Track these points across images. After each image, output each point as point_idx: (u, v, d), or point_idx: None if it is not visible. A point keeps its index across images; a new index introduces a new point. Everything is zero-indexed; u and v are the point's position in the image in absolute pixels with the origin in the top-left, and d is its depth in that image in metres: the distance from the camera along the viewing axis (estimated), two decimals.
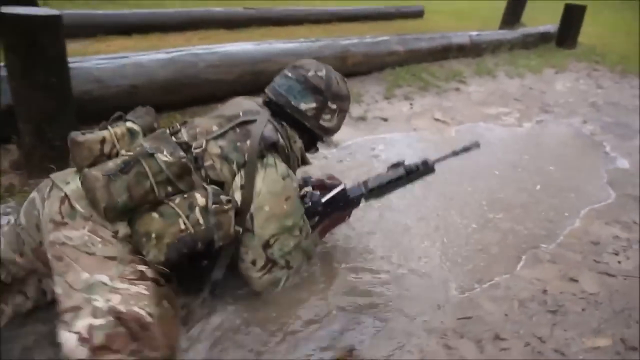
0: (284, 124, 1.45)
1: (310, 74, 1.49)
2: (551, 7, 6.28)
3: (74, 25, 4.57)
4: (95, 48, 4.30)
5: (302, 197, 1.48)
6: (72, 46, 4.39)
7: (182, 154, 1.19)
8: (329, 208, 1.55)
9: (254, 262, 1.35)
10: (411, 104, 3.37)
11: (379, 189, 1.62)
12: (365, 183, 1.61)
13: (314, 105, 1.48)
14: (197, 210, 1.16)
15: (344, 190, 1.56)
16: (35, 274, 1.26)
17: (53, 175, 1.22)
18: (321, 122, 1.51)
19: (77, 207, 1.12)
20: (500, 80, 4.22)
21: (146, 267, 1.13)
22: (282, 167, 1.38)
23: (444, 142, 2.81)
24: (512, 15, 6.69)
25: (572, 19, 5.92)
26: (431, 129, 3.02)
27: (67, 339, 0.98)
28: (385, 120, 3.07)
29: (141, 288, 1.08)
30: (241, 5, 6.04)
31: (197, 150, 1.28)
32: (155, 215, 1.13)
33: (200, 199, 1.17)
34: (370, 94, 3.42)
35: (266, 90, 1.52)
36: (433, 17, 8.30)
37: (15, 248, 1.22)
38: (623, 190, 2.47)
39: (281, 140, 1.40)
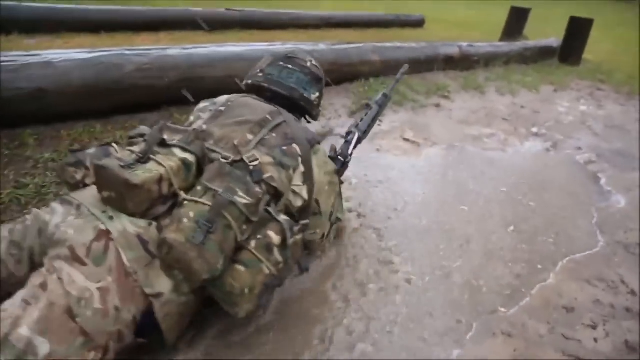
0: (295, 114, 1.49)
1: (309, 64, 1.56)
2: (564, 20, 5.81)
3: (36, 20, 4.29)
4: (49, 45, 3.98)
5: (335, 155, 1.60)
6: (25, 42, 4.17)
7: (257, 190, 1.14)
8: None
9: (323, 236, 1.43)
10: (380, 121, 2.97)
11: (368, 129, 1.80)
12: (358, 125, 1.75)
13: (318, 94, 1.58)
14: (275, 250, 1.12)
15: (359, 138, 1.73)
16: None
17: (80, 195, 1.10)
18: (320, 108, 1.65)
19: (124, 258, 0.99)
20: (489, 97, 3.81)
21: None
22: (322, 150, 1.46)
23: (410, 167, 2.42)
24: (514, 26, 6.26)
25: (577, 32, 5.48)
26: (397, 150, 2.62)
27: None
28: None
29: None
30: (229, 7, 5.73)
31: (254, 164, 1.20)
32: (240, 267, 1.08)
33: (275, 237, 1.13)
34: (334, 107, 3.03)
35: (264, 84, 1.50)
36: (434, 27, 7.93)
37: (18, 239, 1.06)
38: (614, 235, 2.05)
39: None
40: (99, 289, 0.95)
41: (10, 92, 2.05)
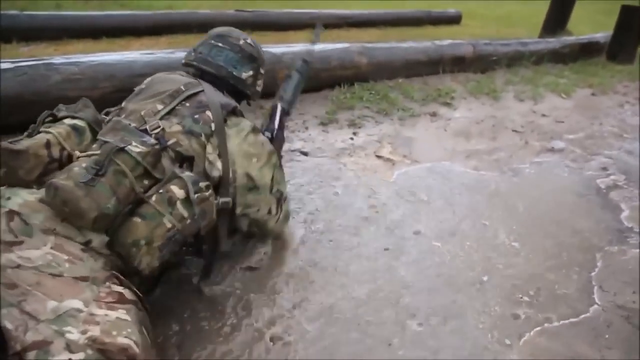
0: (224, 91, 1.48)
1: (242, 42, 1.54)
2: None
3: (37, 27, 4.26)
4: (46, 52, 3.92)
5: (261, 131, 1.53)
6: (20, 50, 4.14)
7: (152, 140, 1.15)
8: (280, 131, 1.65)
9: (270, 211, 1.44)
10: (354, 134, 2.56)
11: (293, 98, 1.74)
12: (282, 97, 1.69)
13: (251, 73, 1.56)
14: (178, 204, 1.13)
15: (282, 109, 1.66)
16: None
17: None
18: (257, 87, 1.62)
19: (35, 221, 0.99)
20: (503, 104, 3.25)
21: (123, 287, 1.02)
22: (245, 121, 1.43)
23: (367, 189, 2.00)
24: (556, 21, 5.52)
25: (629, 24, 4.69)
26: (364, 169, 2.20)
27: None
28: (305, 154, 2.30)
29: (121, 313, 0.95)
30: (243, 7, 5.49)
31: (156, 131, 1.20)
32: (137, 219, 1.07)
33: (178, 191, 1.13)
34: (304, 117, 2.65)
35: (194, 62, 1.50)
36: (472, 23, 7.30)
37: None
38: (616, 295, 1.55)
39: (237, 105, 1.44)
40: (52, 247, 0.97)
41: None
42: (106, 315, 0.93)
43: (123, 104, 1.34)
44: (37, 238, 0.97)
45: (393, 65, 3.15)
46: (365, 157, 2.34)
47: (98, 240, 1.04)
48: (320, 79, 2.86)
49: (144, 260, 1.08)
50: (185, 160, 1.22)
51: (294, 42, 4.31)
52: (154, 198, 1.10)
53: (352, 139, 2.51)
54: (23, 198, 1.02)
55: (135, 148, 1.10)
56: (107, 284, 1.00)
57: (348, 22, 6.16)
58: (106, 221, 1.04)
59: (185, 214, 1.12)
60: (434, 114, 2.91)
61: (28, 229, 0.98)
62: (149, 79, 1.44)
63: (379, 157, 2.36)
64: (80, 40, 4.39)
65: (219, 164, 1.29)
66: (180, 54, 2.54)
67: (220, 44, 1.51)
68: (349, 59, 2.94)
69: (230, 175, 1.31)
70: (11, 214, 0.98)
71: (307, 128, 2.55)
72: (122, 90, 2.23)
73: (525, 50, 3.97)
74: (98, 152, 1.07)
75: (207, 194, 1.18)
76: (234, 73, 1.50)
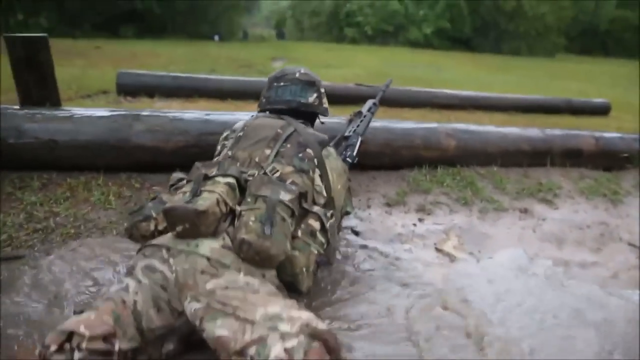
0: (304, 120, 1.75)
1: (298, 75, 1.81)
2: None
3: (179, 87, 4.91)
4: (173, 106, 4.44)
5: (344, 158, 1.89)
6: (159, 104, 4.75)
7: (293, 187, 1.40)
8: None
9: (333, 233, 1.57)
10: (420, 220, 2.31)
11: (364, 132, 2.08)
12: (356, 131, 2.04)
13: (315, 95, 1.80)
14: (317, 234, 1.42)
15: (361, 140, 2.02)
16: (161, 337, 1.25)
17: (160, 241, 1.30)
18: (323, 105, 1.86)
19: (227, 262, 1.23)
20: (624, 210, 2.67)
21: (292, 300, 1.22)
22: (332, 150, 1.72)
23: (399, 285, 1.73)
24: None
25: None
26: (416, 261, 1.93)
27: None
28: (356, 234, 2.13)
29: (308, 314, 1.14)
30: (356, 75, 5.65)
31: (276, 175, 1.45)
32: (296, 252, 1.35)
33: (315, 224, 1.42)
34: (371, 194, 2.49)
35: (268, 106, 1.79)
36: (623, 116, 6.41)
37: (151, 305, 1.21)
38: None
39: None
40: (245, 275, 1.23)
41: (28, 141, 2.23)
42: (300, 313, 1.12)
43: (230, 153, 1.58)
44: (233, 272, 1.22)
45: (487, 151, 2.84)
46: (422, 248, 2.07)
47: (269, 274, 1.29)
48: (400, 157, 2.70)
49: (306, 283, 1.39)
50: (302, 196, 1.42)
51: (407, 118, 4.25)
52: (299, 233, 1.39)
53: (415, 225, 2.26)
54: (209, 246, 1.25)
55: (285, 197, 1.34)
56: (286, 299, 1.22)
57: (473, 104, 5.89)
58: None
59: (323, 240, 1.43)
60: (524, 211, 2.51)
61: (225, 266, 1.22)
62: (241, 125, 1.69)
63: (438, 250, 2.07)
64: (208, 99, 4.93)
65: (324, 192, 1.57)
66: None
67: (282, 83, 1.79)
68: (434, 139, 2.74)
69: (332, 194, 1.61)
70: (208, 259, 1.23)
71: (369, 207, 2.38)
72: (194, 146, 2.39)
73: None
74: (260, 207, 1.29)
75: (332, 220, 1.49)
76: (302, 101, 1.77)
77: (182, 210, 1.26)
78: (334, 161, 1.67)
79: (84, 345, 1.06)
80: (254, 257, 1.24)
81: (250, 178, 1.42)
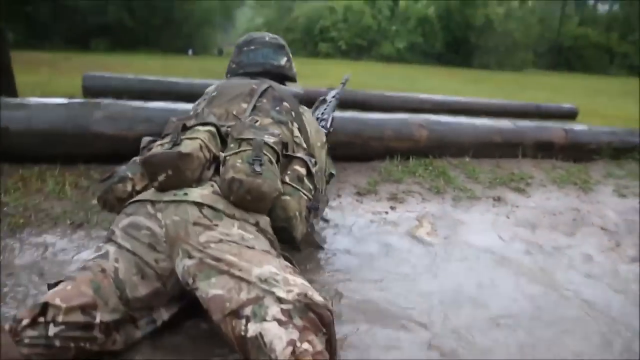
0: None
1: (267, 38, 1.79)
2: None
3: (144, 90, 4.76)
4: None
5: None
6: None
7: (275, 131, 1.38)
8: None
9: (320, 190, 1.57)
10: (391, 208, 2.25)
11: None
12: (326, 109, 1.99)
13: (285, 59, 1.80)
14: (305, 179, 1.38)
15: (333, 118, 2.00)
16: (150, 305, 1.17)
17: (142, 197, 1.22)
18: (293, 70, 1.85)
19: (221, 207, 1.16)
20: (595, 197, 2.67)
21: (287, 261, 1.18)
22: (308, 110, 1.73)
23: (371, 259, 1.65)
24: None
25: None
26: (385, 246, 1.86)
27: (265, 328, 0.95)
28: (326, 221, 2.05)
29: (303, 279, 1.09)
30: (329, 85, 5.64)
31: (257, 124, 1.40)
32: (287, 197, 1.30)
33: (301, 169, 1.39)
34: (342, 185, 2.42)
35: (241, 70, 1.75)
36: (590, 121, 6.55)
37: (134, 272, 1.12)
38: None
39: None
40: (239, 228, 1.16)
41: None
42: (295, 279, 1.05)
43: (206, 111, 1.50)
44: (226, 221, 1.15)
45: (460, 142, 2.82)
46: (394, 235, 2.00)
47: (263, 221, 1.23)
48: (371, 149, 2.65)
49: (299, 229, 1.34)
50: (284, 144, 1.39)
51: None
52: (287, 178, 1.34)
53: (386, 212, 2.20)
54: (198, 192, 1.18)
55: (269, 139, 1.29)
56: (280, 257, 1.16)
57: (445, 108, 5.93)
58: (275, 200, 1.25)
59: (311, 185, 1.39)
60: (498, 199, 2.48)
61: (219, 214, 1.16)
62: (213, 87, 1.66)
63: (414, 237, 2.00)
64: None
65: (303, 144, 1.54)
66: None
67: (252, 47, 1.76)
68: (406, 131, 2.71)
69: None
70: (198, 204, 1.15)
71: (339, 196, 2.31)
72: (157, 134, 2.29)
73: (637, 141, 3.33)
74: (245, 149, 1.24)
75: (317, 166, 1.46)
76: (274, 63, 1.75)
77: (164, 155, 1.18)
78: (309, 117, 1.68)
79: (60, 318, 0.97)
80: (245, 197, 1.18)
81: (229, 129, 1.36)
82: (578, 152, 3.14)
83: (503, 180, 2.69)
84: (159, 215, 1.15)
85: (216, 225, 1.13)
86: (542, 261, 1.88)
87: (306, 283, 1.07)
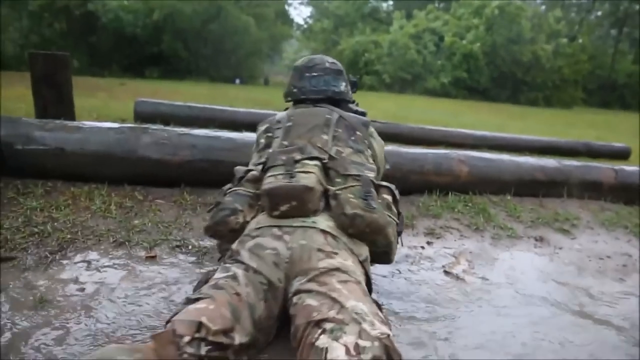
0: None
1: (327, 64, 1.81)
2: None
3: (192, 116, 4.97)
4: None
5: None
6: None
7: (372, 165, 1.54)
8: None
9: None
10: (428, 243, 2.21)
11: None
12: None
13: (344, 84, 1.83)
14: (392, 206, 1.46)
15: None
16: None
17: (266, 222, 1.32)
18: (349, 92, 1.88)
19: (343, 239, 1.29)
20: None
21: (381, 311, 1.19)
22: (373, 129, 1.76)
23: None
24: None
25: None
26: (419, 282, 1.82)
27: (333, 346, 1.00)
28: None
29: (387, 330, 1.09)
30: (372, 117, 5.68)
31: (343, 155, 1.51)
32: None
33: (389, 197, 1.48)
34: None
35: (303, 96, 1.77)
36: None
37: (260, 297, 1.19)
38: None
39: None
40: (353, 262, 1.27)
41: (36, 147, 2.24)
42: (381, 326, 1.07)
43: (287, 142, 1.54)
44: (345, 252, 1.26)
45: (501, 179, 2.75)
46: (430, 270, 1.96)
47: (365, 254, 1.35)
48: (410, 182, 2.63)
49: (393, 254, 1.45)
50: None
51: None
52: (380, 208, 1.39)
53: (423, 247, 2.16)
54: (325, 222, 1.30)
55: (370, 174, 1.44)
56: (373, 304, 1.19)
57: (487, 144, 5.82)
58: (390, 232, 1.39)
59: (396, 211, 1.48)
60: (540, 239, 2.38)
61: (340, 244, 1.27)
62: (285, 116, 1.68)
63: (447, 273, 1.95)
64: (223, 130, 4.96)
65: (375, 167, 1.60)
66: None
67: (314, 74, 1.78)
68: (446, 166, 2.67)
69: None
70: (324, 232, 1.27)
71: None
72: (201, 160, 2.37)
73: None
74: (353, 184, 1.37)
75: (397, 191, 1.53)
76: (336, 90, 1.78)
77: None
78: (377, 136, 1.77)
79: (210, 337, 1.03)
80: (364, 230, 1.31)
81: (328, 163, 1.45)
82: (629, 193, 2.98)
83: (546, 220, 2.58)
84: (286, 237, 1.25)
85: (336, 254, 1.24)
86: (589, 308, 1.78)
87: (390, 332, 1.09)
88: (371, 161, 1.61)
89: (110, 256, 1.79)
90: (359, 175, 1.40)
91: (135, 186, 2.38)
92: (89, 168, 2.33)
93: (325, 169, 1.43)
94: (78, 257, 1.76)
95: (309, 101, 1.77)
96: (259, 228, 1.31)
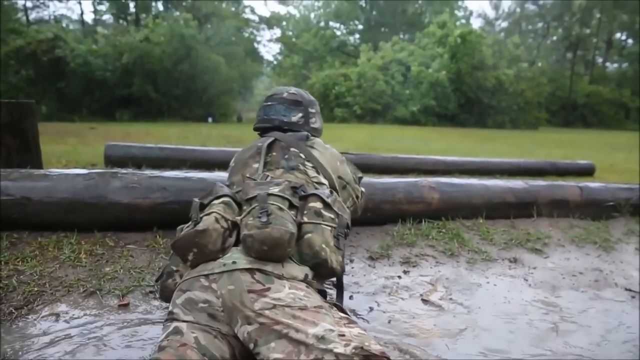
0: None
1: (285, 94, 1.86)
2: None
3: (163, 158, 4.93)
4: None
5: None
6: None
7: (280, 180, 1.46)
8: None
9: (357, 197, 1.87)
10: (404, 272, 2.21)
11: None
12: None
13: (300, 115, 1.84)
14: (322, 212, 1.41)
15: None
16: None
17: (194, 272, 1.29)
18: (311, 125, 1.87)
19: (270, 270, 1.24)
20: (617, 256, 2.58)
21: (341, 312, 1.23)
22: (317, 139, 1.79)
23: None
24: None
25: None
26: (399, 312, 1.82)
27: None
28: (330, 287, 2.01)
29: (358, 329, 1.14)
30: (345, 149, 5.74)
31: (268, 179, 1.51)
32: (309, 235, 1.35)
33: (316, 203, 1.43)
34: (354, 249, 2.40)
35: (258, 124, 1.87)
36: (608, 177, 6.48)
37: (212, 337, 1.19)
38: None
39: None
40: (290, 288, 1.23)
41: (1, 199, 2.17)
42: (350, 331, 1.11)
43: (228, 182, 1.67)
44: (277, 283, 1.22)
45: (472, 203, 2.80)
46: (407, 300, 1.96)
47: (310, 274, 1.33)
48: (383, 212, 2.65)
49: (333, 258, 1.36)
50: (295, 188, 1.47)
51: None
52: (306, 218, 1.38)
53: (399, 277, 2.16)
54: (245, 258, 1.27)
55: (274, 189, 1.38)
56: (332, 309, 1.22)
57: (459, 169, 5.95)
58: (294, 242, 1.30)
59: (332, 215, 1.43)
60: (514, 260, 2.42)
61: (269, 277, 1.23)
62: (233, 160, 1.79)
63: (425, 301, 1.96)
64: (196, 170, 4.94)
65: (322, 179, 1.62)
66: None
67: (270, 103, 1.85)
68: (417, 193, 2.71)
69: (339, 180, 1.72)
70: (250, 270, 1.24)
71: (352, 260, 2.29)
72: (172, 202, 2.34)
73: None
74: (254, 206, 1.32)
75: (334, 196, 1.49)
76: (285, 120, 1.80)
77: (184, 236, 1.30)
78: (321, 146, 1.75)
79: None
80: (261, 249, 1.25)
81: (246, 181, 1.51)
82: (595, 209, 3.07)
83: (519, 241, 2.63)
84: (214, 285, 1.23)
85: (268, 288, 1.20)
86: (564, 326, 1.80)
87: (362, 332, 1.13)
88: (312, 174, 1.60)
89: (80, 307, 1.73)
90: (257, 195, 1.37)
91: (106, 232, 2.33)
92: (57, 216, 2.27)
93: (237, 202, 1.44)
94: (46, 311, 1.70)
95: (260, 130, 1.86)
96: (187, 280, 1.29)
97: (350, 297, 1.93)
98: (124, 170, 2.44)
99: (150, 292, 1.86)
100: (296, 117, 1.82)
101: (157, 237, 2.31)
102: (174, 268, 1.39)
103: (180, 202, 2.33)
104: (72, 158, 5.32)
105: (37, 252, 2.10)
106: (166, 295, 1.39)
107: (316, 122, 1.90)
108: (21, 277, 1.89)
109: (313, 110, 1.90)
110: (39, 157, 3.00)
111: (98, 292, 1.83)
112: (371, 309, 1.86)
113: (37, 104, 3.14)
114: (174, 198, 2.34)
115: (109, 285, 1.88)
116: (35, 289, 1.82)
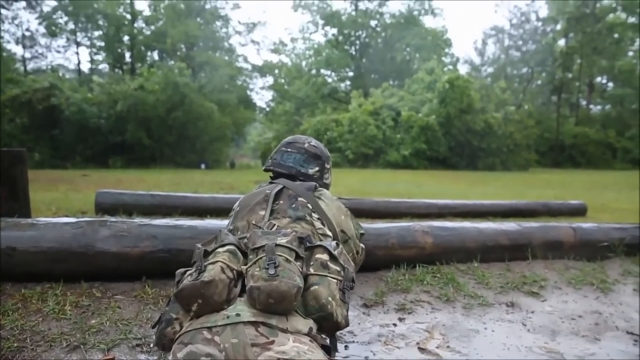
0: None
1: (306, 145, 1.86)
2: None
3: (154, 205, 4.89)
4: None
5: None
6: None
7: (288, 231, 1.44)
8: None
9: (357, 252, 1.85)
10: (400, 319, 2.15)
11: None
12: None
13: (317, 168, 1.85)
14: (329, 264, 1.39)
15: None
16: None
17: (197, 324, 1.25)
18: (324, 180, 1.89)
19: (274, 323, 1.21)
20: (616, 298, 2.54)
21: None
22: (325, 191, 1.78)
23: None
24: None
25: None
26: None
27: None
28: (325, 337, 1.95)
29: None
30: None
31: (274, 229, 1.49)
32: (315, 287, 1.32)
33: (322, 255, 1.41)
34: (350, 297, 2.34)
35: (271, 167, 1.84)
36: (600, 216, 6.51)
37: None
38: None
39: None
40: (294, 341, 1.20)
41: None
42: None
43: (232, 227, 1.63)
44: (281, 336, 1.20)
45: (466, 247, 2.78)
46: (405, 348, 1.90)
47: (315, 327, 1.29)
48: (376, 258, 2.61)
49: (339, 312, 1.34)
50: (302, 239, 1.45)
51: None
52: (312, 270, 1.36)
53: (395, 325, 2.10)
54: (250, 310, 1.24)
55: (282, 240, 1.35)
56: None
57: (452, 212, 5.94)
58: (300, 295, 1.26)
59: (338, 267, 1.41)
60: (511, 304, 2.37)
61: (273, 331, 1.20)
62: (237, 203, 1.75)
63: (422, 349, 1.89)
64: (187, 217, 4.90)
65: (327, 231, 1.61)
66: (220, 222, 2.59)
67: (289, 150, 1.85)
68: (410, 238, 2.69)
69: (342, 234, 1.71)
70: (254, 323, 1.21)
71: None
72: (162, 251, 2.30)
73: None
74: (261, 256, 1.29)
75: (340, 248, 1.48)
76: (302, 170, 1.81)
77: (190, 286, 1.26)
78: (328, 198, 1.74)
79: None
80: (268, 301, 1.22)
81: (253, 230, 1.46)
82: (590, 250, 3.06)
83: (515, 284, 2.59)
84: (217, 338, 1.19)
85: (272, 341, 1.17)
86: None
87: None
88: (318, 225, 1.59)
89: None
90: (264, 245, 1.33)
91: (93, 282, 2.26)
92: (43, 266, 2.21)
93: (244, 252, 1.40)
94: None
95: (274, 175, 1.83)
96: (189, 332, 1.25)
97: (346, 347, 1.87)
98: (113, 219, 2.41)
99: (137, 345, 1.79)
100: (313, 170, 1.83)
101: (146, 286, 2.25)
102: (174, 316, 1.34)
103: (170, 250, 2.30)
104: (62, 206, 5.27)
105: (20, 304, 2.03)
106: (163, 343, 1.35)
107: (328, 178, 1.93)
108: (1, 332, 1.81)
109: (328, 166, 1.93)
110: (28, 205, 2.96)
111: (82, 347, 1.75)
112: (366, 358, 1.79)
113: (30, 151, 3.14)
114: (164, 246, 2.30)
115: (93, 339, 1.80)
116: (15, 344, 1.74)
